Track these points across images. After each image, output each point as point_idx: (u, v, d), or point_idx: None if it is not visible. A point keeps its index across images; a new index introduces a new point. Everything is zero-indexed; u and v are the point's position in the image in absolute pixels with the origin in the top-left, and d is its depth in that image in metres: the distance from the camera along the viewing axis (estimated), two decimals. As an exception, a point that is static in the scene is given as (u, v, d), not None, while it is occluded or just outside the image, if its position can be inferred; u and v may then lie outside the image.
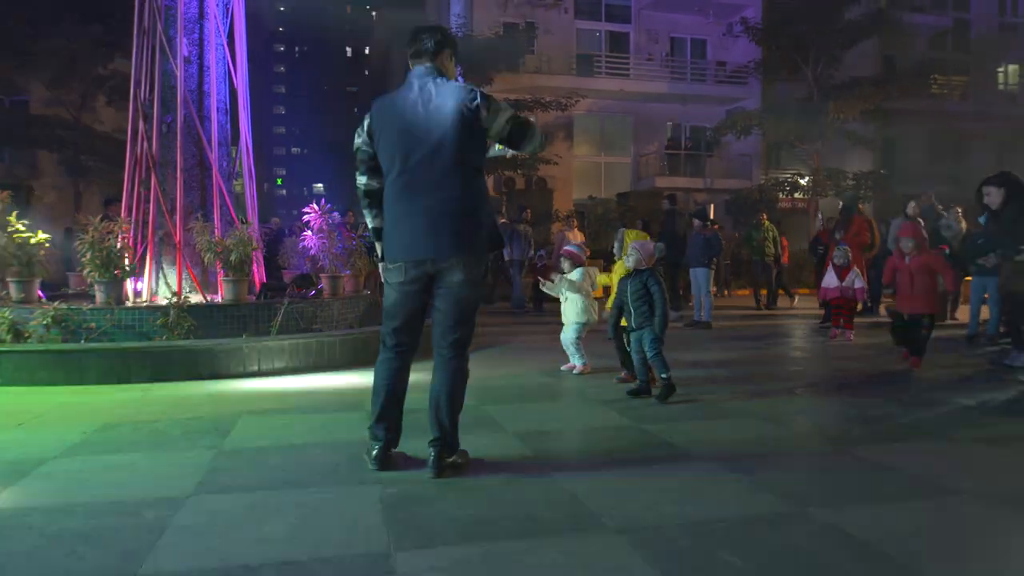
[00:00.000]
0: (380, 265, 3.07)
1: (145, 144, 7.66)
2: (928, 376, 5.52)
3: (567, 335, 5.73)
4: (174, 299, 6.52)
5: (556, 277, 5.80)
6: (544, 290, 5.93)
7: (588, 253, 6.46)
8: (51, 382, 5.12)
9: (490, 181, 21.42)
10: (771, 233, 11.82)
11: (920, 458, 3.31)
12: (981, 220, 6.62)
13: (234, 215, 7.96)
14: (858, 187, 19.55)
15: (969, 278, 8.09)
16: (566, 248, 6.00)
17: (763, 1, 23.04)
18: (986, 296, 7.79)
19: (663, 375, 4.56)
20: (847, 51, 20.28)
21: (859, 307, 8.73)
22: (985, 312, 7.80)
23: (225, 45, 8.13)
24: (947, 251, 8.57)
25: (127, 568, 2.14)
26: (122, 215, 7.69)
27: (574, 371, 5.70)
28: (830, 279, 8.03)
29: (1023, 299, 5.80)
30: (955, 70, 26.21)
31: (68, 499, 2.75)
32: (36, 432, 3.82)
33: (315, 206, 7.75)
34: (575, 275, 5.70)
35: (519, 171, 20.60)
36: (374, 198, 3.05)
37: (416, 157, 2.88)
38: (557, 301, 5.93)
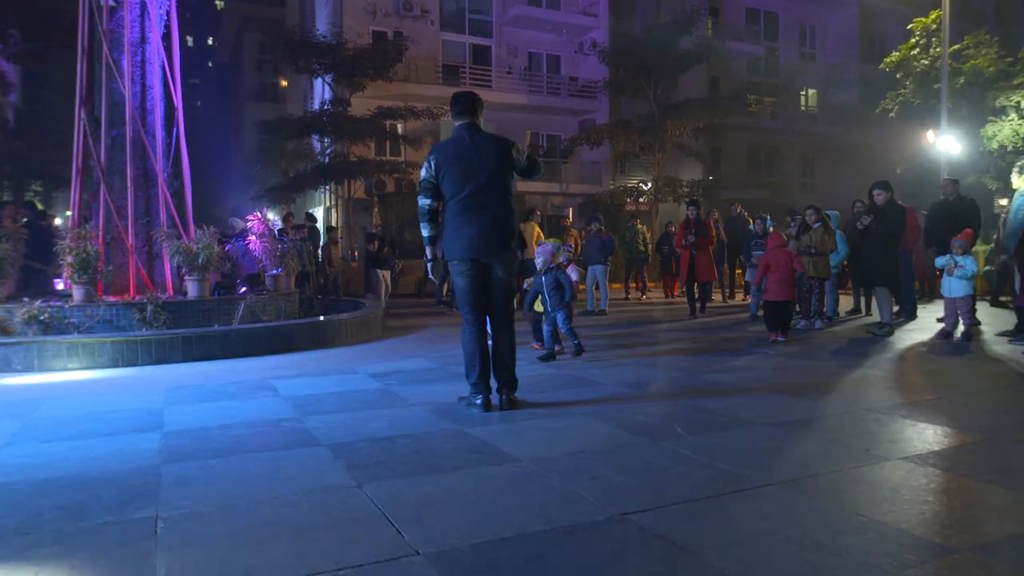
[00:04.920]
0: (428, 264, 4.44)
1: (94, 155, 8.44)
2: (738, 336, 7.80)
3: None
4: (147, 296, 7.53)
5: None
6: None
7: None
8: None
9: (361, 185, 22.35)
10: (642, 235, 14.10)
11: (738, 375, 5.36)
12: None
13: (178, 220, 8.93)
14: (691, 193, 22.66)
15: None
16: None
17: (609, 25, 25.90)
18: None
19: (575, 341, 6.37)
20: (681, 76, 23.42)
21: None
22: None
23: (166, 66, 9.02)
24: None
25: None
26: (71, 223, 8.46)
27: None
28: None
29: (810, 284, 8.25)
30: (768, 92, 30.72)
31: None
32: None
33: (258, 214, 8.89)
34: None
35: (393, 175, 21.71)
36: (433, 215, 4.26)
37: (472, 187, 4.14)
38: None
